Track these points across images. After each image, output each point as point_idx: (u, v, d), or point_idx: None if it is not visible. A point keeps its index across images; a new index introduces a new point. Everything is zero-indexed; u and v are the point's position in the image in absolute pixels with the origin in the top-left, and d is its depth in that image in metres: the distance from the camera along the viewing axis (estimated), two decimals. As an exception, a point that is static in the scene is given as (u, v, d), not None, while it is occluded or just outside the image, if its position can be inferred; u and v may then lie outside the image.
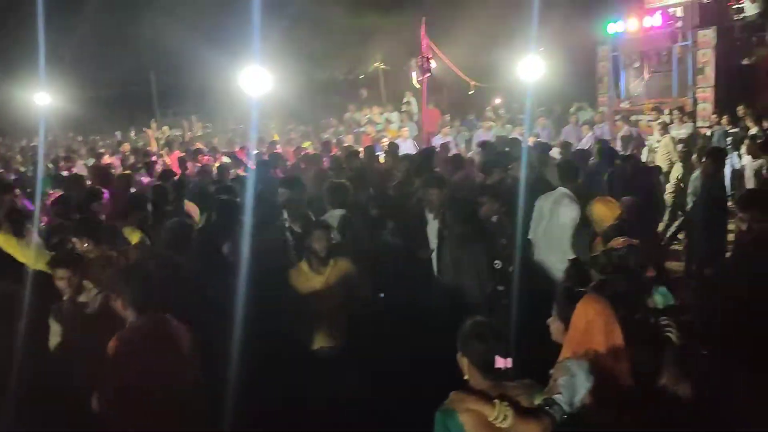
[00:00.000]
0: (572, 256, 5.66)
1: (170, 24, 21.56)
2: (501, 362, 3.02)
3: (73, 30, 21.73)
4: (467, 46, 17.29)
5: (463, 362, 3.13)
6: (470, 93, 15.94)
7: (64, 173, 11.50)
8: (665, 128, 12.70)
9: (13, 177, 11.73)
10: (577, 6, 19.25)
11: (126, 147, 15.28)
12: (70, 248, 5.32)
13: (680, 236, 9.44)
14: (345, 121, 19.49)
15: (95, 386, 3.75)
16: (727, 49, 14.88)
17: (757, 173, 9.27)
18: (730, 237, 7.01)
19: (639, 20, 15.93)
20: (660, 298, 4.15)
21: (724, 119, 12.94)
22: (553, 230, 6.29)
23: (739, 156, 11.38)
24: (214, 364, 4.30)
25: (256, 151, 12.38)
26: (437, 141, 14.74)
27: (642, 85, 16.79)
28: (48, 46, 14.06)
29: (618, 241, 4.41)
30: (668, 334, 3.62)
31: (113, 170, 11.45)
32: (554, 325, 3.61)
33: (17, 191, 8.79)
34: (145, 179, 10.45)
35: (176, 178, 9.12)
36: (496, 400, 2.91)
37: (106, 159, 13.80)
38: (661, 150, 12.28)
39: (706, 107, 14.41)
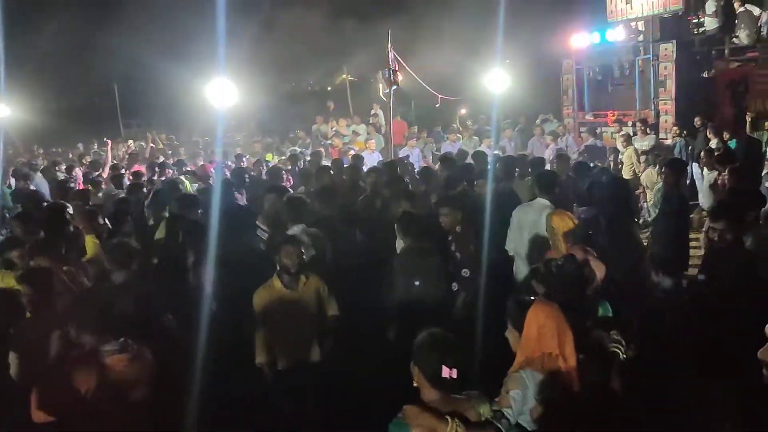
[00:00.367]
0: None
1: (135, 35, 21.35)
2: (446, 372, 3.05)
3: (35, 41, 21.37)
4: (434, 58, 17.37)
5: (415, 371, 3.17)
6: (437, 105, 15.99)
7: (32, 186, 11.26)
8: (628, 140, 12.89)
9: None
10: (542, 19, 19.48)
11: (86, 160, 15.03)
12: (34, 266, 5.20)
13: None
14: (312, 133, 19.42)
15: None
16: (688, 62, 15.15)
17: (713, 185, 9.45)
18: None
19: (602, 34, 16.15)
20: (600, 309, 4.29)
21: (675, 130, 13.18)
22: (538, 241, 6.25)
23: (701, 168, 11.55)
24: (178, 390, 4.24)
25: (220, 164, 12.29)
26: (404, 153, 14.78)
27: (605, 98, 17.00)
28: (8, 57, 13.79)
29: (574, 251, 4.63)
30: (615, 349, 3.75)
31: (73, 183, 11.26)
32: (511, 335, 3.69)
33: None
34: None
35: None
36: (448, 417, 2.96)
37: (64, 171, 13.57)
38: (625, 161, 12.45)
39: (668, 119, 14.64)
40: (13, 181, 12.03)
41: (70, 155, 17.94)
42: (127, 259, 5.10)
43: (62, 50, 22.45)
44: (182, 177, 11.58)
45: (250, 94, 18.20)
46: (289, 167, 12.26)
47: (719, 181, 9.28)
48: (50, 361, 4.05)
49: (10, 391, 4.14)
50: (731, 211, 5.30)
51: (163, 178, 11.19)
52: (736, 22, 16.23)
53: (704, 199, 9.50)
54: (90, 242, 6.10)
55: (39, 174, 12.41)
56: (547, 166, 10.06)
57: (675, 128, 13.49)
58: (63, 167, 14.28)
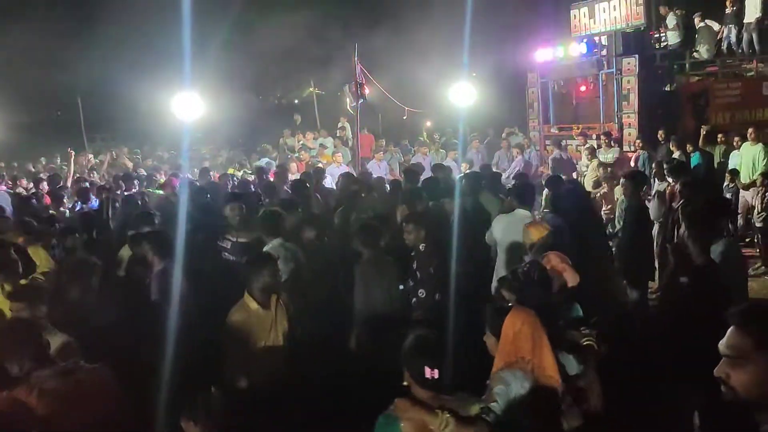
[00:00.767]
0: None
1: (99, 48, 21.11)
2: (428, 372, 3.14)
3: (-5, 52, 21.01)
4: (400, 71, 17.48)
5: (405, 373, 3.27)
6: (404, 118, 16.04)
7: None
8: (593, 153, 13.04)
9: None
10: (507, 33, 19.73)
11: (43, 175, 14.75)
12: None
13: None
14: (279, 146, 19.34)
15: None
16: (650, 76, 15.39)
17: (660, 195, 9.62)
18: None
19: (566, 48, 16.35)
20: (572, 312, 4.46)
21: (638, 143, 13.37)
22: (518, 252, 6.32)
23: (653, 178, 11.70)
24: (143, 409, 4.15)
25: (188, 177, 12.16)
26: (371, 166, 14.78)
27: (570, 111, 17.20)
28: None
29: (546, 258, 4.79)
30: (588, 342, 4.12)
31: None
32: (489, 340, 3.82)
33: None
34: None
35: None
36: (438, 410, 3.06)
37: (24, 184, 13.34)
38: (589, 174, 12.59)
39: (631, 132, 14.85)
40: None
41: (32, 168, 17.56)
42: (85, 273, 4.99)
43: (24, 63, 22.10)
44: (150, 190, 11.47)
45: (216, 108, 18.06)
46: (256, 180, 12.18)
47: (668, 192, 9.42)
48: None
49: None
50: (702, 221, 5.38)
51: (133, 191, 11.07)
52: (696, 37, 16.61)
53: (651, 210, 9.62)
54: (37, 253, 5.98)
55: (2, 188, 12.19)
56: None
57: (638, 141, 13.68)
58: (25, 182, 14.04)
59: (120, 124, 25.26)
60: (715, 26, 16.62)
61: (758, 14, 15.56)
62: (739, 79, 15.78)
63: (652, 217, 9.39)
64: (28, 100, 23.95)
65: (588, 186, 11.80)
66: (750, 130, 11.93)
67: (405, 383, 3.25)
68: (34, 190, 12.26)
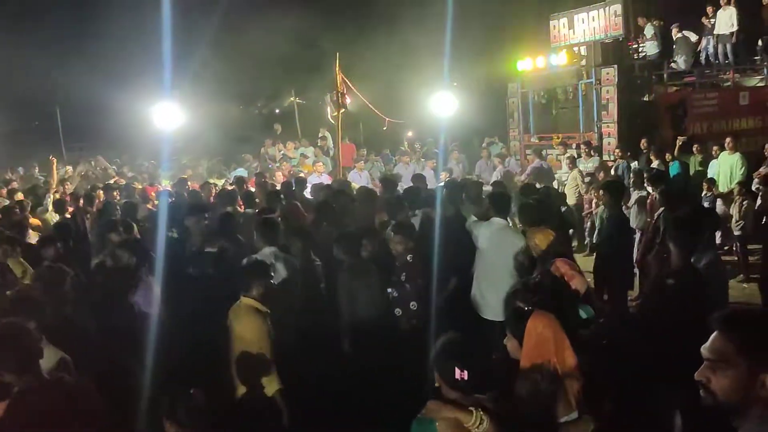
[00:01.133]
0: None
1: (78, 57, 20.94)
2: (458, 374, 3.19)
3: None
4: (382, 81, 17.51)
5: (435, 374, 3.34)
6: (384, 128, 16.03)
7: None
8: (573, 162, 13.12)
9: None
10: (488, 43, 19.85)
11: (14, 185, 14.55)
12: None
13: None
14: (261, 156, 19.27)
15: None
16: (629, 86, 15.53)
17: (641, 203, 9.73)
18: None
19: (546, 58, 16.46)
20: (583, 313, 4.51)
21: (621, 152, 13.47)
22: (500, 260, 6.39)
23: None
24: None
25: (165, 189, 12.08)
26: (353, 176, 14.76)
27: (550, 121, 17.29)
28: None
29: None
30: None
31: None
32: (510, 343, 3.91)
33: None
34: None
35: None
36: (472, 408, 3.11)
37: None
38: (569, 183, 12.66)
39: (611, 141, 14.96)
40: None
41: (8, 176, 17.33)
42: (57, 283, 4.92)
43: (1, 72, 21.85)
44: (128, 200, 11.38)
45: (197, 117, 17.98)
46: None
47: (648, 201, 9.52)
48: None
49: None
50: (684, 227, 5.41)
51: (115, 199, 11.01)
52: (674, 47, 16.82)
53: (632, 218, 9.77)
54: (14, 265, 5.93)
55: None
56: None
57: (617, 150, 13.78)
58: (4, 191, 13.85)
59: (99, 134, 25.01)
60: (693, 37, 16.84)
61: (734, 28, 15.82)
62: (716, 90, 16.01)
63: (633, 226, 9.51)
64: (5, 108, 23.64)
65: (569, 195, 11.89)
66: (728, 139, 12.08)
67: (436, 384, 3.33)
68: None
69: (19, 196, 12.03)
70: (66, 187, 13.78)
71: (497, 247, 6.43)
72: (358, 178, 14.53)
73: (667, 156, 12.51)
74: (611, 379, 4.49)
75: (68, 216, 9.74)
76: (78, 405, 3.47)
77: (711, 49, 16.53)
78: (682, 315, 4.71)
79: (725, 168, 11.71)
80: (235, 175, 15.11)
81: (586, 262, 9.27)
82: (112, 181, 14.53)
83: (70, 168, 18.13)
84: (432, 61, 15.95)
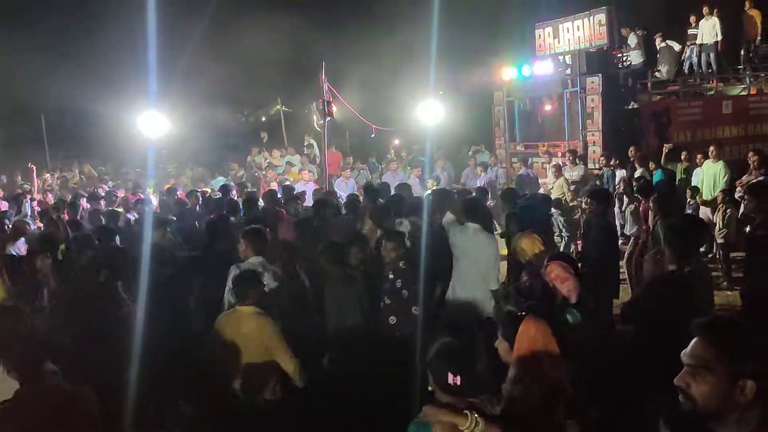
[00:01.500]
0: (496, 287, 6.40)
1: (64, 64, 20.83)
2: (451, 379, 3.25)
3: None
4: (368, 89, 17.51)
5: (430, 378, 3.38)
6: (372, 136, 16.05)
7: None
8: (558, 170, 13.18)
9: None
10: (474, 52, 19.91)
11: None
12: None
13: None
14: (247, 164, 19.24)
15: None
16: (613, 95, 15.63)
17: (635, 213, 9.79)
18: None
19: (531, 67, 16.54)
20: (569, 317, 4.59)
21: (612, 161, 13.54)
22: (474, 263, 6.52)
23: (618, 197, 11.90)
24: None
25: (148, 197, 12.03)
26: (339, 183, 14.76)
27: (536, 129, 17.38)
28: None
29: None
30: None
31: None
32: (501, 345, 3.96)
33: None
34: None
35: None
36: (467, 411, 3.15)
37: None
38: (555, 191, 12.71)
39: (595, 150, 15.05)
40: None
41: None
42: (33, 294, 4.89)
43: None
44: (114, 209, 11.33)
45: (183, 125, 17.93)
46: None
47: (641, 209, 9.61)
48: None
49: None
50: (680, 232, 5.44)
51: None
52: (658, 56, 16.96)
53: (628, 226, 9.92)
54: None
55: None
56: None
57: (602, 158, 13.85)
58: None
59: (85, 141, 24.87)
60: (676, 46, 17.00)
61: (717, 37, 15.97)
62: (699, 98, 16.15)
63: (628, 233, 9.64)
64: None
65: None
66: (711, 147, 12.16)
67: (429, 388, 3.38)
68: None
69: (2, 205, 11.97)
70: (46, 197, 13.69)
71: (472, 251, 6.55)
72: (345, 186, 14.52)
73: (651, 164, 12.58)
74: (597, 385, 4.53)
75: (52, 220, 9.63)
76: (76, 409, 3.48)
77: (694, 58, 16.68)
78: (670, 321, 4.73)
79: (709, 176, 11.79)
80: (213, 184, 15.11)
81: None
82: (97, 189, 14.46)
83: (48, 176, 18.00)
84: (418, 70, 15.99)
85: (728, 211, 10.39)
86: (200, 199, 11.62)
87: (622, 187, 11.10)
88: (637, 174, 12.03)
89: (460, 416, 3.15)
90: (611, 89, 15.60)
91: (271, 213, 9.24)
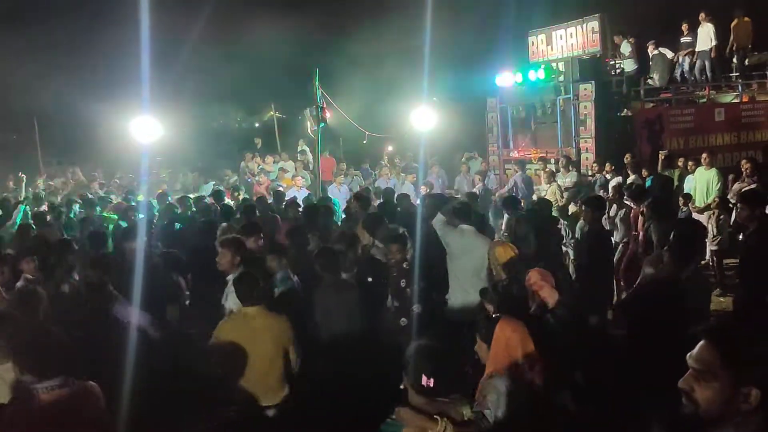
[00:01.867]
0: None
1: (57, 70, 20.79)
2: (424, 381, 3.31)
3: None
4: (362, 96, 17.52)
5: (404, 377, 3.45)
6: (364, 142, 16.07)
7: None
8: (552, 176, 13.19)
9: None
10: (467, 59, 19.96)
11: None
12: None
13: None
14: (240, 170, 19.21)
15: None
16: (606, 102, 15.66)
17: (625, 219, 9.82)
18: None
19: (525, 73, 16.56)
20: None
21: (607, 167, 13.57)
22: (468, 264, 6.64)
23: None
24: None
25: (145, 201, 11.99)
26: (332, 190, 14.76)
27: (529, 135, 17.39)
28: None
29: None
30: None
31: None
32: (480, 347, 4.10)
33: None
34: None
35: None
36: (437, 417, 3.21)
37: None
38: (548, 197, 12.70)
39: (588, 156, 15.06)
40: None
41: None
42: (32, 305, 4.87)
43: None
44: (105, 214, 11.31)
45: (177, 131, 17.89)
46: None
47: (632, 215, 9.63)
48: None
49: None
50: (685, 243, 5.47)
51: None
52: (650, 64, 17.02)
53: (620, 233, 9.94)
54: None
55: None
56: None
57: (595, 165, 13.88)
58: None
59: (78, 147, 24.80)
60: (669, 54, 17.06)
61: (712, 43, 16.02)
62: (692, 106, 16.19)
63: (617, 239, 9.65)
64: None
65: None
66: (704, 155, 12.20)
67: (402, 386, 3.44)
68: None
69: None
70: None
71: (466, 252, 6.68)
72: (338, 193, 14.51)
73: (644, 171, 12.61)
74: (588, 387, 4.55)
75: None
76: (90, 404, 3.53)
77: (687, 66, 16.75)
78: (666, 325, 4.74)
79: (702, 183, 11.82)
80: (204, 189, 15.08)
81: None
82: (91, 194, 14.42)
83: (40, 182, 17.94)
84: (412, 76, 16.01)
85: (721, 218, 10.42)
86: (191, 204, 11.59)
87: (611, 194, 11.10)
88: (629, 180, 12.06)
89: (431, 421, 3.21)
90: (604, 96, 15.62)
91: (270, 220, 9.24)
